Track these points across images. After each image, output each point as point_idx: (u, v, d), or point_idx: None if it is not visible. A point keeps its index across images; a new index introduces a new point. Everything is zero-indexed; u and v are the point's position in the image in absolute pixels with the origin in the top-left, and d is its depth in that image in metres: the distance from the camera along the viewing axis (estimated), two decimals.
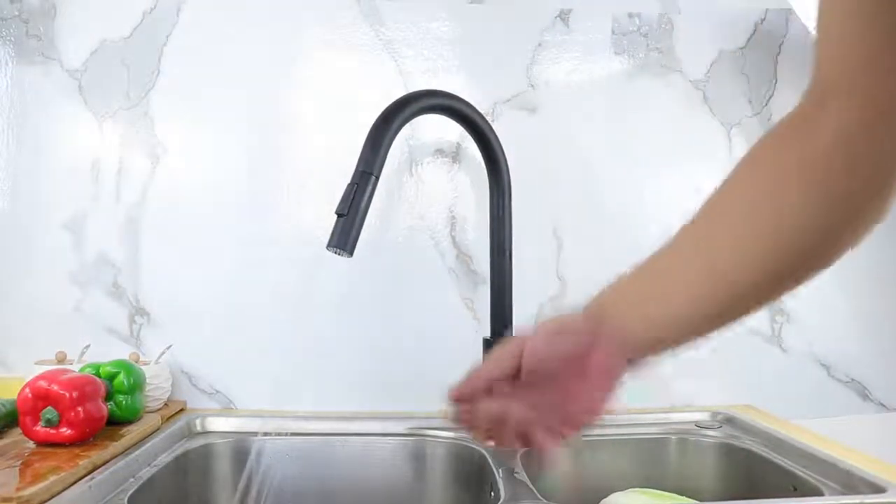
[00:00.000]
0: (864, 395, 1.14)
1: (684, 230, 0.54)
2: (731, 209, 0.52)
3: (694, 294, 0.52)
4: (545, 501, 0.72)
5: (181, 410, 1.03)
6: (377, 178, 0.81)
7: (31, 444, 0.80)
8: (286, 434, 0.97)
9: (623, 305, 0.55)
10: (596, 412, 0.54)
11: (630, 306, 0.55)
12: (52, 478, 0.69)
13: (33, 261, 1.06)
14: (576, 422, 0.55)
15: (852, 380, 1.14)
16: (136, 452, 0.83)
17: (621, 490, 0.86)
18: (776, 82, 1.13)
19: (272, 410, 1.03)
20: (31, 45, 1.06)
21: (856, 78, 0.45)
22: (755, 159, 0.53)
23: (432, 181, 1.09)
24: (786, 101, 1.13)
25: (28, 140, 1.06)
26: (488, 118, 0.96)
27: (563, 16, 1.11)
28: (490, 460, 0.87)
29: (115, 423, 0.87)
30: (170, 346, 1.02)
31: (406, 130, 1.00)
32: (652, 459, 0.98)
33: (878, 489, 0.73)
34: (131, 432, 0.86)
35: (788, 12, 1.12)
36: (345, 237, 0.78)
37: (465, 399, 0.56)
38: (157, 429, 0.93)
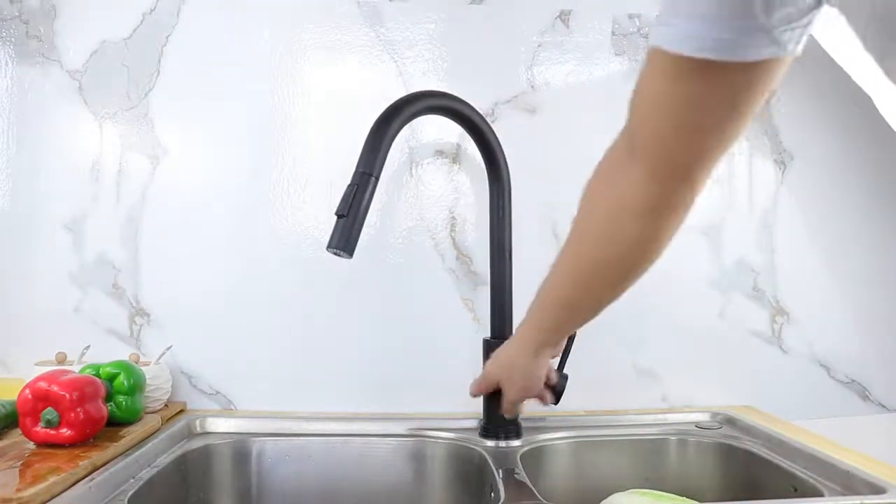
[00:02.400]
0: (864, 395, 1.14)
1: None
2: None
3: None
4: (545, 502, 0.72)
5: (181, 411, 1.03)
6: (377, 178, 0.81)
7: (32, 445, 0.80)
8: (287, 435, 0.97)
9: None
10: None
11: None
12: (52, 478, 0.70)
13: (33, 261, 1.06)
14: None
15: (852, 380, 1.14)
16: (136, 453, 0.83)
17: (621, 491, 0.85)
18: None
19: (272, 411, 1.03)
20: (32, 46, 1.06)
21: (658, 144, 0.60)
22: (588, 195, 0.70)
23: (432, 182, 1.09)
24: (789, 97, 1.13)
25: (28, 140, 1.06)
26: (488, 119, 0.96)
27: (563, 16, 1.11)
28: (490, 461, 0.87)
29: (116, 423, 0.87)
30: (170, 347, 1.02)
31: (406, 131, 1.00)
32: (652, 460, 0.98)
33: (877, 490, 0.73)
34: (131, 433, 0.86)
35: None
36: (345, 238, 0.78)
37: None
38: (157, 429, 0.93)
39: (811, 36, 0.54)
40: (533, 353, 0.81)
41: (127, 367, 0.90)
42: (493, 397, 0.91)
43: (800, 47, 0.52)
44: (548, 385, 0.88)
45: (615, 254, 0.68)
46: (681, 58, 0.52)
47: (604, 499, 0.72)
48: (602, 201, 0.67)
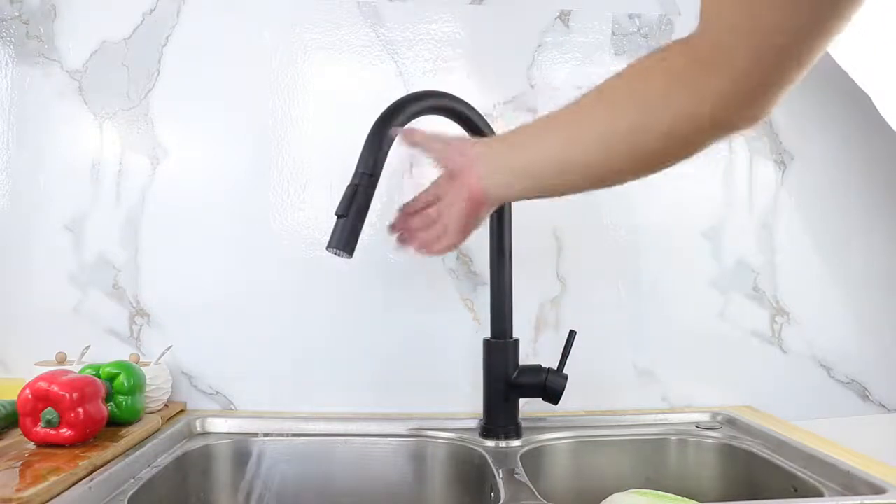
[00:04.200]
0: (865, 395, 1.14)
1: (569, 104, 0.64)
2: (609, 94, 0.60)
3: (557, 147, 0.63)
4: (545, 502, 0.72)
5: (181, 411, 1.03)
6: (377, 179, 0.81)
7: (31, 445, 0.80)
8: (287, 435, 0.97)
9: (498, 146, 0.70)
10: (459, 229, 0.72)
11: (503, 148, 0.69)
12: (52, 479, 0.69)
13: (33, 261, 1.06)
14: (447, 234, 0.73)
15: (852, 381, 1.14)
16: (136, 453, 0.83)
17: (621, 491, 0.85)
18: None
19: (272, 411, 1.03)
20: (32, 46, 1.06)
21: (740, 41, 0.49)
22: (640, 68, 0.58)
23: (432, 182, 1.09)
24: (789, 97, 1.13)
25: (28, 141, 1.06)
26: (488, 119, 0.96)
27: (563, 17, 1.11)
28: (490, 461, 0.87)
29: (116, 424, 0.87)
30: (170, 347, 1.02)
31: None
32: (652, 460, 0.98)
33: (878, 490, 0.73)
34: (131, 433, 0.86)
35: None
36: (345, 238, 0.78)
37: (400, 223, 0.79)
38: (158, 430, 0.93)
39: None
40: (501, 184, 0.68)
41: (127, 368, 0.90)
42: None
43: None
44: None
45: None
46: None
47: (604, 499, 0.72)
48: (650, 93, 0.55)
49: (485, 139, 0.78)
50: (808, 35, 0.48)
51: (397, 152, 1.07)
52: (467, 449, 0.94)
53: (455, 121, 0.94)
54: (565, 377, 0.93)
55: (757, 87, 0.50)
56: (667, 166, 0.59)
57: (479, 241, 1.05)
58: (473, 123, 0.94)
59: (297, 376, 1.06)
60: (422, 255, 0.77)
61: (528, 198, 0.70)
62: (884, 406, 1.14)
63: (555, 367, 0.94)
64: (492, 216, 0.97)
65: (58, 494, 0.69)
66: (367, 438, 0.97)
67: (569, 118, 0.63)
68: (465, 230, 0.73)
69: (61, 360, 0.98)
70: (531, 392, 0.94)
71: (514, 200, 0.71)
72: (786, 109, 1.14)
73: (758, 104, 0.52)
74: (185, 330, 1.06)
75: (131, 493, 0.74)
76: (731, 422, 1.03)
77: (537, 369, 0.94)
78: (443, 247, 0.75)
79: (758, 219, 1.13)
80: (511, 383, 0.95)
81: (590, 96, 0.61)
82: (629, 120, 0.57)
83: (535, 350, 1.08)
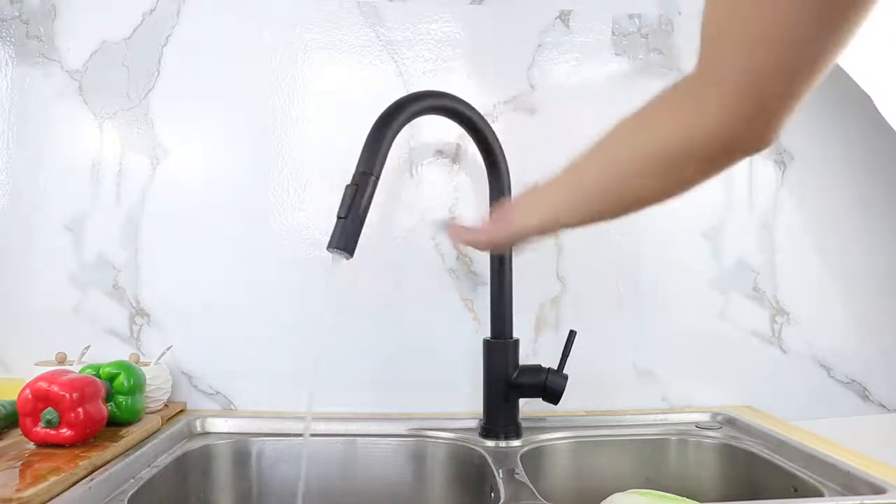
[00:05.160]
0: (865, 396, 1.14)
1: (594, 143, 0.65)
2: (625, 134, 0.62)
3: (587, 185, 0.67)
4: (545, 502, 0.72)
5: (181, 411, 1.03)
6: (377, 179, 0.81)
7: (31, 445, 0.80)
8: (287, 435, 0.97)
9: (529, 191, 0.74)
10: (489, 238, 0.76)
11: (532, 191, 0.73)
12: (52, 479, 0.69)
13: (33, 261, 1.06)
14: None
15: (852, 381, 1.14)
16: (136, 453, 0.83)
17: (621, 491, 0.85)
18: None
19: (272, 411, 1.03)
20: (32, 46, 1.06)
21: (741, 76, 0.48)
22: (650, 112, 0.59)
23: (432, 182, 1.09)
24: None
25: (28, 141, 1.06)
26: (488, 119, 0.96)
27: (563, 17, 1.11)
28: (490, 461, 0.87)
29: (116, 424, 0.87)
30: (170, 347, 1.02)
31: (406, 131, 1.00)
32: (652, 460, 0.98)
33: (878, 490, 0.73)
34: (131, 433, 0.86)
35: None
36: (345, 238, 0.78)
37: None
38: (158, 430, 0.93)
39: None
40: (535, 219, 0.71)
41: (127, 368, 0.90)
42: None
43: None
44: None
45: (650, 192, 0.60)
46: None
47: (604, 499, 0.72)
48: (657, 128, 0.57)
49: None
50: (804, 69, 0.47)
51: (397, 152, 1.08)
52: (467, 449, 0.94)
53: (455, 121, 0.94)
54: (565, 377, 0.93)
55: (753, 116, 0.50)
56: (685, 189, 0.59)
57: None
58: (473, 123, 0.94)
59: (297, 376, 1.06)
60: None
61: (560, 226, 0.73)
62: (884, 406, 1.14)
63: (555, 367, 0.94)
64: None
65: (58, 494, 0.69)
66: (367, 438, 0.97)
67: (591, 150, 0.67)
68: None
69: (61, 360, 0.98)
70: (531, 392, 0.94)
71: (547, 229, 0.74)
72: None
73: (757, 132, 0.51)
74: (185, 330, 1.06)
75: (131, 493, 0.74)
76: (731, 422, 1.03)
77: (537, 369, 0.94)
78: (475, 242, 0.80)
79: (758, 219, 1.13)
80: (511, 383, 0.95)
81: (610, 129, 0.64)
82: (632, 153, 0.60)
83: (535, 350, 1.08)
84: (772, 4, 0.45)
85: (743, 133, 0.50)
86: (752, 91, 0.48)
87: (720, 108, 0.50)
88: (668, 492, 0.74)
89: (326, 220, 0.81)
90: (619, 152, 0.61)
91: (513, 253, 0.97)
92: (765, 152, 1.13)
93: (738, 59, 0.48)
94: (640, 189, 0.60)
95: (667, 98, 0.56)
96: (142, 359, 1.02)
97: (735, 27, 0.48)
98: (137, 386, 0.90)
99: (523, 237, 0.74)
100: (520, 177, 0.99)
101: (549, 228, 0.72)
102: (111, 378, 0.88)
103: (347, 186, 0.80)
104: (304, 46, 1.08)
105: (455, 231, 0.82)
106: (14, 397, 0.82)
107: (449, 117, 0.94)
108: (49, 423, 0.79)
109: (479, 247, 0.81)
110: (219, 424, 0.99)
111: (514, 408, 0.96)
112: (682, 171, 0.56)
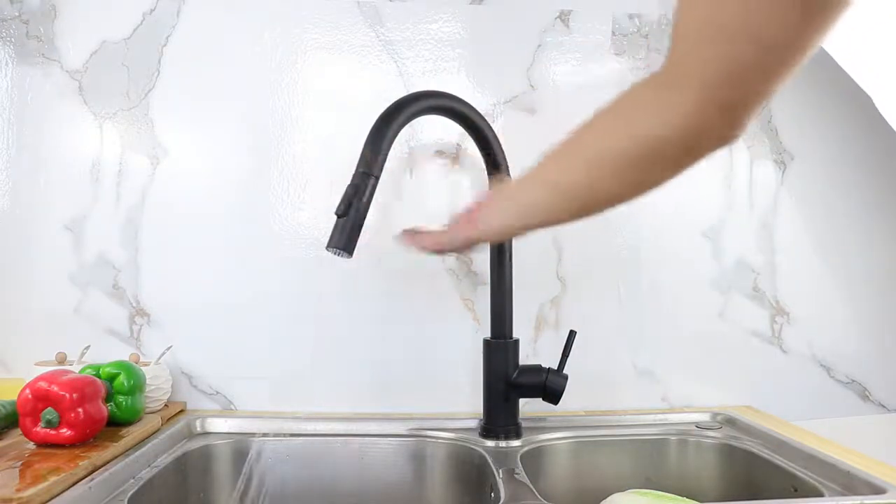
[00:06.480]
0: (865, 396, 1.14)
1: (563, 142, 0.64)
2: (595, 133, 0.61)
3: (551, 174, 0.65)
4: (545, 502, 0.72)
5: (181, 411, 1.03)
6: (377, 178, 0.81)
7: (31, 445, 0.80)
8: (287, 435, 0.97)
9: (502, 187, 0.75)
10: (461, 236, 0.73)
11: (504, 187, 0.74)
12: (52, 479, 0.70)
13: (33, 261, 1.06)
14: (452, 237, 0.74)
15: (852, 381, 1.14)
16: (136, 453, 0.83)
17: (621, 491, 0.85)
18: None
19: (272, 411, 1.04)
20: (32, 46, 1.06)
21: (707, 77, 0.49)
22: (619, 109, 0.59)
23: (432, 182, 1.09)
24: (789, 97, 1.13)
25: (28, 141, 1.06)
26: (488, 119, 0.96)
27: (563, 17, 1.11)
28: (490, 461, 0.87)
29: (116, 423, 0.87)
30: (170, 347, 1.02)
31: (406, 131, 1.00)
32: (652, 460, 0.98)
33: (878, 490, 0.73)
34: (131, 433, 0.86)
35: None
36: (344, 238, 0.78)
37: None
38: (157, 430, 0.93)
39: None
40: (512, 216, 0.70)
41: (127, 368, 0.90)
42: None
43: None
44: None
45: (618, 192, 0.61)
46: None
47: (604, 499, 0.72)
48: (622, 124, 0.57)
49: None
50: (775, 67, 0.48)
51: (397, 152, 1.08)
52: (467, 449, 0.94)
53: (455, 121, 0.94)
54: (565, 377, 0.93)
55: (722, 107, 0.50)
56: (651, 188, 0.59)
57: None
58: (473, 123, 0.94)
59: (296, 376, 1.06)
60: (423, 250, 0.77)
61: (529, 226, 0.70)
62: (884, 406, 1.14)
63: (555, 367, 0.94)
64: None
65: (58, 494, 0.69)
66: (367, 438, 0.97)
67: (561, 147, 0.65)
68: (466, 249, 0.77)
69: (61, 360, 0.98)
70: (531, 392, 0.94)
71: (515, 230, 0.72)
72: (785, 109, 1.14)
73: (725, 128, 0.52)
74: (185, 330, 1.06)
75: (131, 493, 0.74)
76: (731, 422, 1.03)
77: (537, 369, 0.94)
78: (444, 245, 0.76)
79: (758, 219, 1.13)
80: (511, 383, 0.95)
81: (580, 125, 0.63)
82: (606, 145, 0.59)
83: (535, 350, 1.08)
84: (744, 4, 0.46)
85: (712, 128, 0.51)
86: (722, 89, 0.49)
87: (690, 105, 0.50)
88: (668, 492, 0.74)
89: (326, 220, 0.81)
90: (589, 151, 0.61)
91: (512, 253, 0.97)
92: (765, 152, 1.14)
93: (710, 57, 0.48)
94: (610, 186, 0.60)
95: (637, 94, 0.57)
96: (142, 359, 1.02)
97: (706, 26, 0.48)
98: (137, 386, 0.90)
99: (489, 238, 0.74)
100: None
101: (517, 230, 0.72)
102: (111, 378, 0.88)
103: (347, 186, 0.80)
104: (304, 46, 1.08)
105: (410, 237, 0.77)
106: (14, 397, 0.82)
107: (449, 117, 0.94)
108: (49, 423, 0.79)
109: (442, 250, 0.76)
110: (219, 424, 0.99)
111: (514, 408, 0.96)
112: (651, 168, 0.57)
